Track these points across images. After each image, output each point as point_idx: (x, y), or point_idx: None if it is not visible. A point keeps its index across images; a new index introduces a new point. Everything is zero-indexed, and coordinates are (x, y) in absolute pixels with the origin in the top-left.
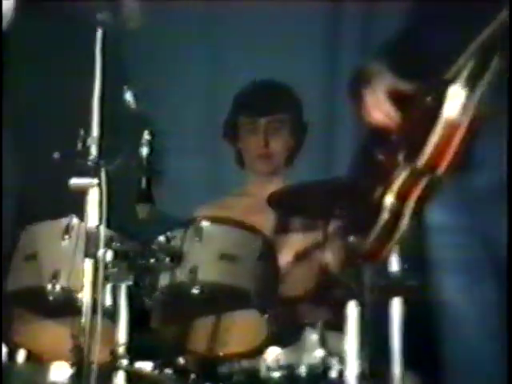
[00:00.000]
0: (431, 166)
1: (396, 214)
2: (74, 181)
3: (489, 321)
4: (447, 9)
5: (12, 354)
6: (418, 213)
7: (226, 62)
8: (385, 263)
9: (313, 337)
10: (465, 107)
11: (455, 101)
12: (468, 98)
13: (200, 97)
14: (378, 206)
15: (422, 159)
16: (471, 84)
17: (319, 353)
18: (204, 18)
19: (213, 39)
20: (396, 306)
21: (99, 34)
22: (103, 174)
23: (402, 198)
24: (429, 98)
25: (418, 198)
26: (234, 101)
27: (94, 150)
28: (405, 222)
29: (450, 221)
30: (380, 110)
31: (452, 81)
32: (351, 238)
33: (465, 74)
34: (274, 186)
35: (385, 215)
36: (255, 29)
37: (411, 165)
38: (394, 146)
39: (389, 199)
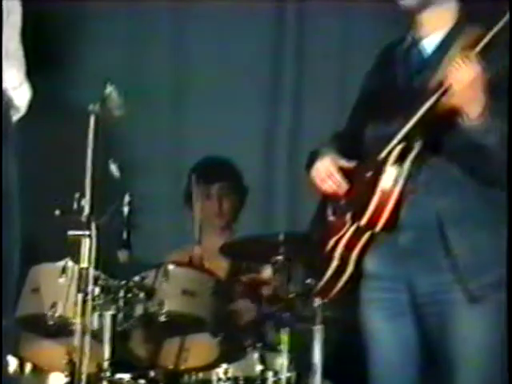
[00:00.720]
0: (371, 225)
1: (344, 261)
2: (71, 232)
3: (406, 346)
4: (380, 109)
5: (21, 367)
6: (359, 261)
7: (188, 141)
8: (311, 298)
9: (254, 355)
10: (395, 181)
11: (388, 176)
12: (398, 173)
13: (167, 169)
14: (330, 256)
15: (364, 219)
16: (400, 163)
17: (258, 367)
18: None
19: (176, 123)
20: (317, 332)
21: (91, 120)
22: (93, 228)
23: (348, 249)
24: (368, 174)
25: (360, 250)
26: (190, 174)
27: (86, 209)
28: (350, 269)
29: (380, 269)
30: (331, 180)
31: (386, 160)
32: (309, 280)
33: (395, 154)
34: (225, 238)
35: (335, 263)
36: (211, 108)
37: (356, 223)
38: (342, 208)
39: (338, 250)
